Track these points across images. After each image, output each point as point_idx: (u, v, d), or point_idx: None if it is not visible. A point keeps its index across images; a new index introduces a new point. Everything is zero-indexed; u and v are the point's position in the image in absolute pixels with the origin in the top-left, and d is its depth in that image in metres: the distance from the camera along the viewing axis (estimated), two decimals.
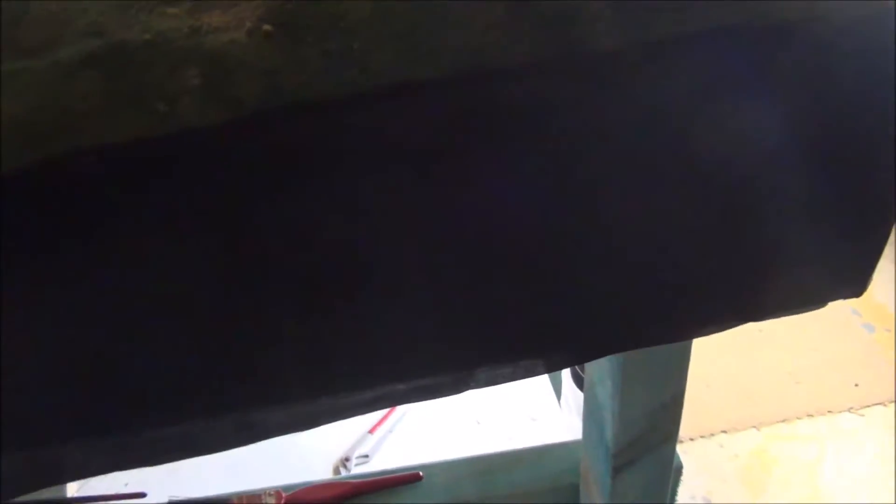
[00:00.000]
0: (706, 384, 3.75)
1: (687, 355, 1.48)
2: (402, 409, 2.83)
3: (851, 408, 3.50)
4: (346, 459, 2.59)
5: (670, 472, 1.68)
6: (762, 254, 1.14)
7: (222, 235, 1.01)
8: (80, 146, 1.00)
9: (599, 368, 1.53)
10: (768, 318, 1.26)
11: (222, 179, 0.98)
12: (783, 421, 3.42)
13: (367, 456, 2.59)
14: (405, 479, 2.03)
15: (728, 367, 3.82)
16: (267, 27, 0.97)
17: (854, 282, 1.22)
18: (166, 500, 2.00)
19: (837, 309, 4.68)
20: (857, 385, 3.67)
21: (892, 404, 3.56)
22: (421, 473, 2.02)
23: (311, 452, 2.70)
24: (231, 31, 0.97)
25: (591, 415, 1.70)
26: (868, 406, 3.48)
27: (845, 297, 1.22)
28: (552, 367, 1.19)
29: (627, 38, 0.98)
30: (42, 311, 1.00)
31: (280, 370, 1.08)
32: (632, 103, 0.99)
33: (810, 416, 3.44)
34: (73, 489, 2.15)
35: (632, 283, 1.11)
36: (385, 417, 2.71)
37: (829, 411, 3.64)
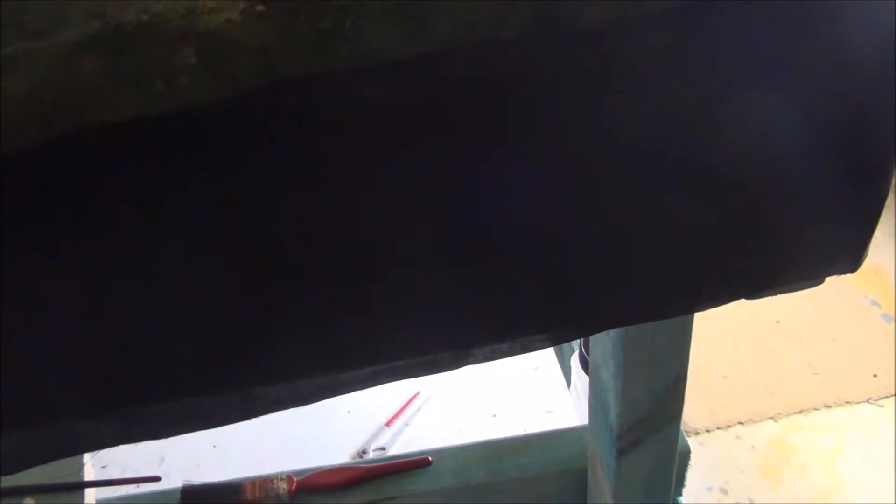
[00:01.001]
0: (723, 375, 3.74)
1: (688, 336, 1.49)
2: (418, 402, 2.85)
3: (870, 398, 3.47)
4: (363, 452, 2.63)
5: (675, 455, 1.69)
6: (758, 230, 1.15)
7: (222, 212, 1.04)
8: (83, 124, 1.03)
9: (603, 350, 1.55)
10: (766, 295, 1.27)
11: (220, 155, 1.02)
12: (801, 412, 3.41)
13: (384, 448, 2.62)
14: (415, 465, 2.05)
15: (745, 358, 3.80)
16: (260, 7, 1.01)
17: (849, 257, 1.23)
18: (181, 484, 2.04)
19: (856, 299, 4.60)
20: (875, 375, 3.65)
21: None
22: (430, 458, 2.04)
23: (328, 445, 2.74)
24: (226, 12, 1.01)
25: (596, 397, 1.72)
26: (887, 397, 3.46)
27: (841, 272, 1.23)
28: (552, 343, 1.21)
29: (614, 12, 1.00)
30: (49, 289, 1.04)
31: (283, 349, 1.11)
32: (621, 78, 1.01)
33: (828, 406, 3.42)
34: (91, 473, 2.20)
35: (628, 258, 1.13)
36: (402, 410, 2.74)
37: (847, 402, 3.64)
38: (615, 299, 1.17)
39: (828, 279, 1.28)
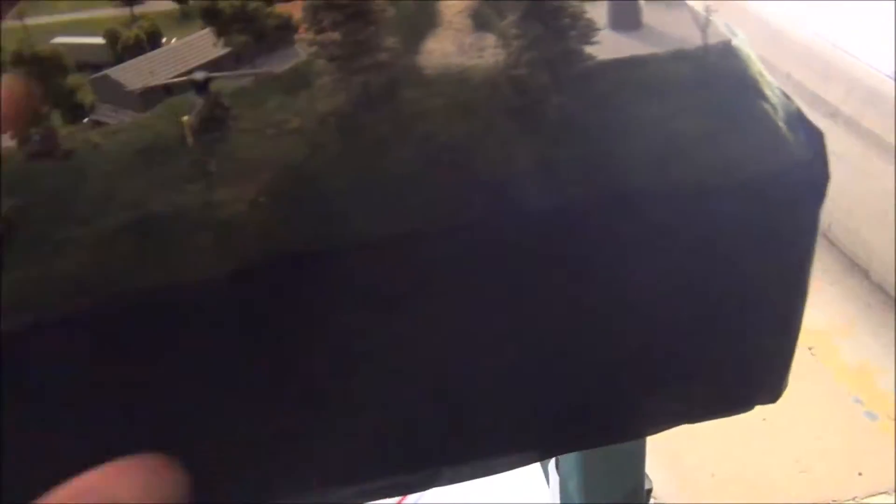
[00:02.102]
0: (710, 473, 3.84)
1: (642, 453, 1.74)
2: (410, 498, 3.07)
3: (856, 497, 3.54)
4: None
5: None
6: (691, 368, 1.45)
7: (220, 366, 1.35)
8: (118, 293, 1.35)
9: (567, 465, 1.81)
10: (703, 420, 1.56)
11: (227, 318, 1.33)
12: None
13: None
14: None
15: (731, 455, 3.87)
16: (263, 199, 1.34)
17: (770, 390, 1.52)
18: None
19: (839, 396, 4.72)
20: (860, 474, 3.71)
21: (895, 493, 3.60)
22: None
23: None
24: (235, 203, 1.33)
25: None
26: (872, 495, 3.52)
27: (763, 402, 1.52)
28: (512, 467, 1.50)
29: (553, 200, 1.32)
30: (91, 420, 1.34)
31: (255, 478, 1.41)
32: (554, 259, 1.33)
33: None
34: None
35: (586, 395, 1.43)
36: None
37: (833, 500, 3.67)
38: (573, 429, 1.45)
39: (812, 377, 1.52)
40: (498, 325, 1.34)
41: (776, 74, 1.61)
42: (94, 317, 1.32)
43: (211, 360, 1.33)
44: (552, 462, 2.91)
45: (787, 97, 1.42)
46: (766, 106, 1.50)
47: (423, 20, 2.01)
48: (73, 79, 2.04)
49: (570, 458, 1.75)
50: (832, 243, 5.47)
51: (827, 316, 5.46)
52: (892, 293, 4.84)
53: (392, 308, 1.33)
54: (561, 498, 1.95)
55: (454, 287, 1.34)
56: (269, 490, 1.43)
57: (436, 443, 1.41)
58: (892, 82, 4.45)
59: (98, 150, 1.66)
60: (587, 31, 1.49)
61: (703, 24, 1.40)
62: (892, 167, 4.38)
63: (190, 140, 1.60)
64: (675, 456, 4.04)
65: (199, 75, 1.70)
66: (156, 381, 1.36)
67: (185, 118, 1.64)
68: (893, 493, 3.69)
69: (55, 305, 1.33)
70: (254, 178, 1.43)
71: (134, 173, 1.46)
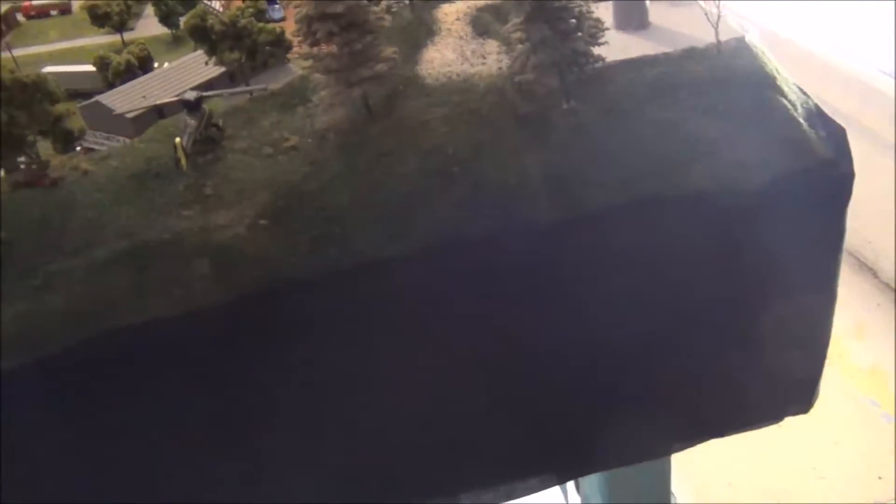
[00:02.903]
0: (728, 482, 3.74)
1: (667, 471, 1.64)
2: None
3: (877, 501, 3.45)
4: None
5: None
6: (713, 382, 1.36)
7: (221, 397, 1.26)
8: (111, 327, 1.27)
9: (591, 485, 1.72)
10: (732, 434, 1.47)
11: (223, 347, 1.24)
12: None
13: None
14: None
15: (750, 464, 3.78)
16: (263, 222, 1.25)
17: (801, 401, 1.43)
18: None
19: (856, 399, 4.54)
20: (880, 478, 3.60)
21: None
22: None
23: None
24: (234, 227, 1.25)
25: None
26: (893, 501, 3.44)
27: (794, 413, 1.43)
28: (532, 491, 1.41)
29: (564, 212, 1.24)
30: (78, 451, 1.27)
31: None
32: (563, 267, 1.24)
33: None
34: None
35: (613, 415, 1.34)
36: None
37: None
38: (601, 449, 1.36)
39: (826, 381, 1.43)
40: (506, 344, 1.26)
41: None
42: (87, 354, 1.24)
43: (186, 397, 1.26)
44: (570, 483, 2.80)
45: (805, 94, 1.34)
46: (785, 103, 1.42)
47: (421, 28, 1.93)
48: (62, 106, 1.95)
49: (593, 479, 1.64)
50: None
51: (836, 318, 5.37)
52: None
53: (394, 330, 1.25)
54: None
55: (460, 306, 1.25)
56: None
57: (449, 470, 1.32)
58: (892, 80, 4.38)
59: (88, 177, 1.57)
60: (595, 32, 1.41)
61: (716, 21, 1.33)
62: (893, 163, 4.31)
63: (183, 163, 1.52)
64: (691, 464, 3.93)
65: (191, 95, 1.62)
66: (140, 416, 1.27)
67: (178, 140, 1.56)
68: None
69: (45, 345, 1.24)
70: (252, 199, 1.35)
71: (126, 200, 1.38)
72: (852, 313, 4.86)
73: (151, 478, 1.44)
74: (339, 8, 1.25)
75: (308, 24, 1.35)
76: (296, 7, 1.32)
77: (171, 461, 1.40)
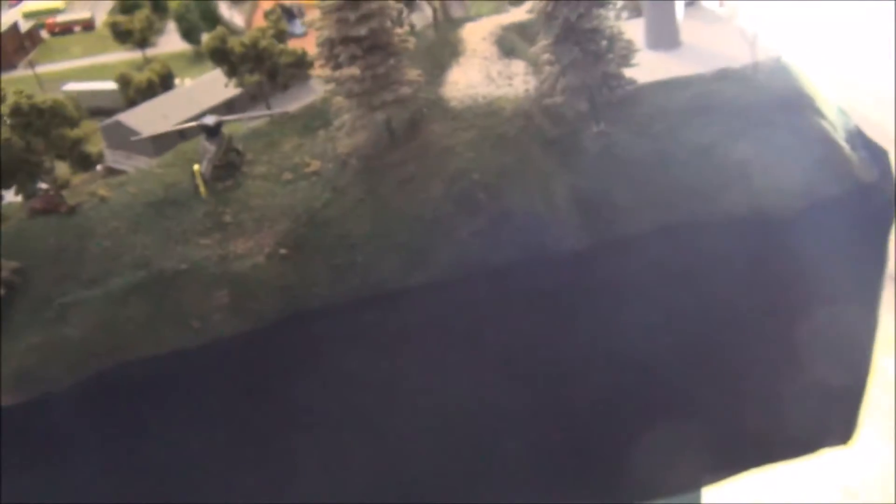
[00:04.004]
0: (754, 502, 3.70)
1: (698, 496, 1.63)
2: None
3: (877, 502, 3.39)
4: None
5: None
6: (760, 417, 1.34)
7: (222, 424, 1.27)
8: (127, 360, 1.27)
9: None
10: (765, 465, 1.45)
11: (241, 377, 1.23)
12: None
13: None
14: None
15: (776, 483, 3.73)
16: (283, 250, 1.23)
17: (839, 433, 1.39)
18: None
19: (889, 417, 4.63)
20: None
21: None
22: None
23: None
24: (253, 256, 1.23)
25: None
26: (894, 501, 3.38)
27: (832, 445, 1.39)
28: None
29: (592, 239, 1.21)
30: (96, 478, 1.29)
31: None
32: (597, 292, 1.23)
33: None
34: None
35: (657, 448, 1.33)
36: None
37: None
38: (631, 479, 1.36)
39: None
40: (530, 372, 1.25)
41: None
42: (101, 387, 1.24)
43: (209, 427, 1.27)
44: None
45: (845, 114, 1.30)
46: (825, 125, 1.37)
47: (445, 48, 1.90)
48: (82, 128, 1.96)
49: None
50: None
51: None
52: None
53: (415, 359, 1.25)
54: None
55: (483, 334, 1.24)
56: None
57: (475, 496, 1.34)
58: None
59: (105, 203, 1.54)
60: (626, 54, 1.37)
61: (752, 41, 1.28)
62: None
63: (203, 190, 1.49)
64: (716, 483, 3.85)
65: (210, 120, 1.60)
66: (157, 448, 1.29)
67: (196, 167, 1.53)
68: None
69: (61, 377, 1.24)
70: (272, 227, 1.32)
71: (143, 228, 1.36)
72: (884, 327, 4.69)
73: None
74: (363, 31, 1.21)
75: (330, 48, 1.32)
76: (318, 30, 1.28)
77: (186, 493, 1.38)
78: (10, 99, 2.85)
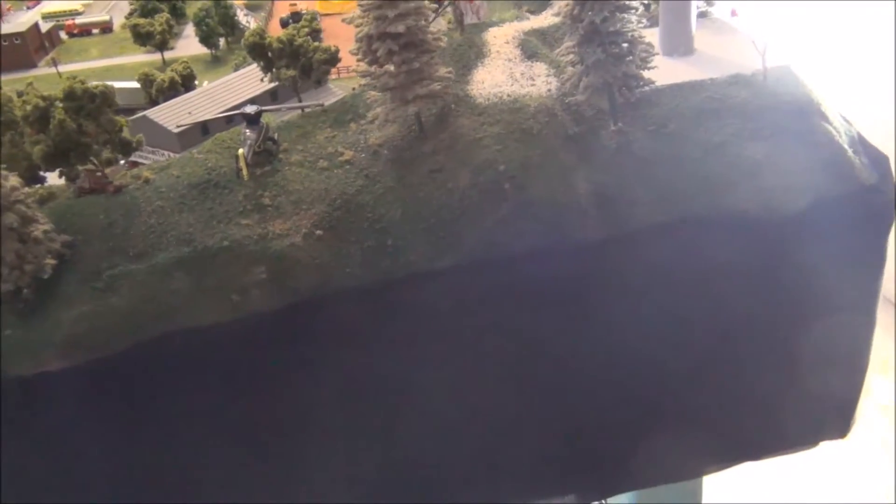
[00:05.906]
0: None
1: (698, 494, 1.68)
2: None
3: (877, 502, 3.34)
4: None
5: None
6: (759, 408, 1.39)
7: (249, 396, 1.32)
8: (170, 330, 1.32)
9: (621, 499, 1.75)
10: (767, 458, 1.49)
11: (276, 350, 1.30)
12: None
13: None
14: None
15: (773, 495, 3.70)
16: (319, 232, 1.31)
17: (837, 426, 1.45)
18: None
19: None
20: None
21: None
22: None
23: None
24: (291, 236, 1.31)
25: None
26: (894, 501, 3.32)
27: (830, 439, 1.45)
28: None
29: (609, 230, 1.28)
30: (128, 449, 1.33)
31: None
32: (617, 278, 1.28)
33: None
34: None
35: (651, 435, 1.37)
36: None
37: None
38: (636, 467, 1.40)
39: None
40: (548, 358, 1.29)
41: None
42: (145, 355, 1.29)
43: (242, 396, 1.31)
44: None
45: (848, 121, 1.37)
46: (830, 129, 1.46)
47: (471, 50, 1.97)
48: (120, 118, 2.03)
49: (623, 498, 1.67)
50: None
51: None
52: None
53: (440, 340, 1.29)
54: None
55: (505, 319, 1.29)
56: None
57: (485, 483, 1.36)
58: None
59: (150, 185, 1.63)
60: (646, 56, 1.46)
61: (763, 50, 1.37)
62: None
63: (245, 173, 1.58)
64: (726, 490, 3.89)
65: (251, 108, 1.68)
66: (194, 416, 1.33)
67: (240, 151, 1.61)
68: None
69: (108, 344, 1.29)
70: (308, 210, 1.40)
71: (187, 208, 1.44)
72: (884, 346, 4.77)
73: (199, 477, 1.48)
74: (401, 28, 1.30)
75: (368, 43, 1.41)
76: (357, 27, 1.37)
77: (220, 461, 1.45)
78: (65, 83, 2.96)
